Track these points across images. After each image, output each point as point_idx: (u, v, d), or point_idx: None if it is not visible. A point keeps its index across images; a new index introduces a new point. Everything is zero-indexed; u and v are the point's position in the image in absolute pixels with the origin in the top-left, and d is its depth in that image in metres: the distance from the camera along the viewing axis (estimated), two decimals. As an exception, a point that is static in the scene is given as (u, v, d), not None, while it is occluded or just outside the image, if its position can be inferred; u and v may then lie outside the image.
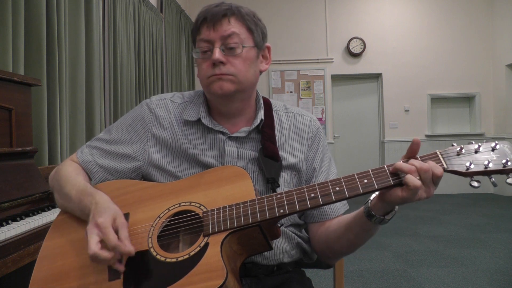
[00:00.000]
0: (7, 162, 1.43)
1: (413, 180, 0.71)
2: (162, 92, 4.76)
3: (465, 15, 6.36)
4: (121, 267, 0.77)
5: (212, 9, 0.90)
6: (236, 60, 0.90)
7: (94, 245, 0.74)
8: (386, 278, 2.78)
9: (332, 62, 6.42)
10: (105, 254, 0.74)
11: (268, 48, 1.00)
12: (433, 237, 3.79)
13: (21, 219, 1.30)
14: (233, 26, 0.90)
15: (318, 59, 6.40)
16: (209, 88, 0.91)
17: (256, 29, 0.94)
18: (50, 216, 1.39)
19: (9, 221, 1.26)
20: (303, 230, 1.04)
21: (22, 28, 2.04)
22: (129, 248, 0.76)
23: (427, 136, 6.35)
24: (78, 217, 0.89)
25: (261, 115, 0.98)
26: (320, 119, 6.31)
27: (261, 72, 0.98)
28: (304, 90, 6.37)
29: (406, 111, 6.40)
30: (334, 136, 6.53)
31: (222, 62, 0.88)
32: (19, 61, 2.01)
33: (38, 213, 1.42)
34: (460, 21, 6.36)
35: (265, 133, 0.97)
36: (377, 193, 0.80)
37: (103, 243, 0.76)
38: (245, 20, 0.92)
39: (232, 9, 0.91)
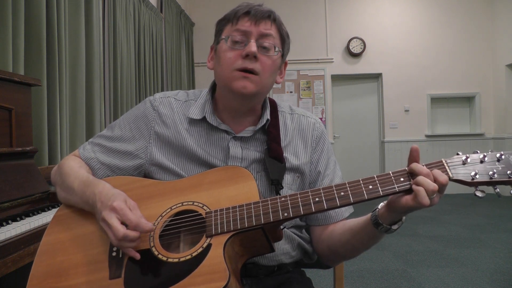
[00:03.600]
0: (7, 162, 1.43)
1: (425, 198, 0.71)
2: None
3: (465, 15, 6.36)
4: (137, 255, 0.77)
5: (255, 6, 0.91)
6: (267, 60, 0.90)
7: (120, 227, 0.75)
8: (386, 278, 2.78)
9: (332, 62, 6.42)
10: (134, 233, 0.75)
11: (285, 63, 1.01)
12: (433, 237, 3.79)
13: (21, 219, 1.30)
14: (272, 29, 0.91)
15: (318, 59, 6.40)
16: (231, 83, 0.89)
17: (287, 41, 0.96)
18: (50, 216, 1.39)
19: (9, 221, 1.26)
20: (303, 231, 1.04)
21: (22, 28, 2.04)
22: (150, 225, 0.77)
23: (427, 136, 6.34)
24: (81, 209, 0.89)
25: (267, 115, 0.97)
26: (320, 119, 6.30)
27: (275, 83, 0.98)
28: (304, 90, 6.37)
29: (406, 111, 6.40)
30: (334, 136, 6.53)
31: (255, 57, 0.88)
32: (19, 61, 2.01)
33: (38, 213, 1.42)
34: (460, 21, 6.36)
35: (271, 133, 0.96)
36: (385, 202, 0.80)
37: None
38: (281, 29, 0.94)
39: (274, 14, 0.92)
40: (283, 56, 0.96)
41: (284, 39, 0.95)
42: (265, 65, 0.89)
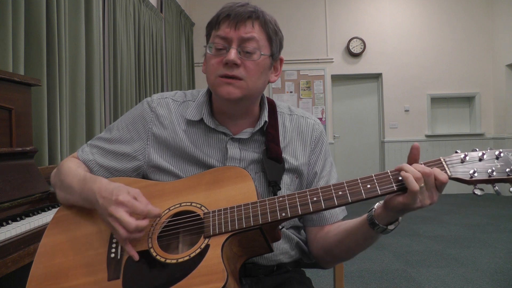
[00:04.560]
0: (7, 162, 1.43)
1: (412, 182, 0.71)
2: (162, 92, 4.77)
3: (465, 15, 6.36)
4: (136, 255, 0.78)
5: (237, 8, 0.88)
6: (251, 64, 0.87)
7: (131, 220, 0.76)
8: (386, 278, 2.78)
9: (332, 62, 6.42)
10: (144, 222, 0.77)
11: (281, 60, 0.98)
12: (433, 237, 3.79)
13: (21, 219, 1.30)
14: (254, 31, 0.87)
15: (318, 59, 6.40)
16: (216, 89, 0.89)
17: (275, 39, 0.92)
18: (50, 216, 1.39)
19: (9, 221, 1.26)
20: (302, 231, 1.04)
21: (22, 28, 2.04)
22: (158, 210, 0.79)
23: (427, 136, 6.34)
24: (80, 210, 0.89)
25: (265, 116, 0.97)
26: (320, 119, 6.31)
27: (269, 82, 0.96)
28: (304, 90, 6.37)
29: (406, 111, 6.40)
30: (334, 136, 6.53)
31: (236, 64, 0.86)
32: (19, 61, 2.01)
33: (38, 213, 1.42)
34: (460, 21, 6.36)
35: (270, 134, 0.96)
36: (381, 202, 0.79)
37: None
38: (267, 27, 0.90)
39: (257, 13, 0.89)
40: (273, 55, 0.93)
41: (270, 37, 0.90)
42: (249, 69, 0.87)
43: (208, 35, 0.93)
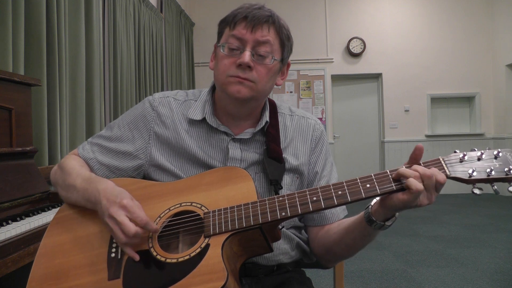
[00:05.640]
0: (7, 162, 1.43)
1: (415, 183, 0.71)
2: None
3: (465, 15, 6.36)
4: (136, 256, 0.78)
5: (254, 10, 0.88)
6: (262, 68, 0.89)
7: (132, 225, 0.76)
8: (386, 278, 2.78)
9: (332, 62, 6.42)
10: (143, 232, 0.77)
11: (288, 64, 0.99)
12: (433, 237, 3.79)
13: (21, 219, 1.30)
14: (270, 35, 0.89)
15: (318, 59, 6.40)
16: (226, 88, 0.89)
17: (287, 45, 0.94)
18: (50, 216, 1.39)
19: (9, 221, 1.26)
20: (303, 231, 1.04)
21: (22, 28, 2.04)
22: (156, 226, 0.79)
23: (427, 136, 6.34)
24: (81, 211, 0.89)
25: (266, 117, 0.97)
26: (320, 119, 6.30)
27: (275, 85, 0.97)
28: (304, 90, 6.37)
29: (406, 111, 6.40)
30: (334, 136, 6.53)
31: (249, 67, 0.87)
32: (19, 61, 2.01)
33: (38, 213, 1.42)
34: (460, 21, 6.36)
35: (270, 134, 0.96)
36: (378, 198, 0.79)
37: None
38: (281, 32, 0.91)
39: (274, 17, 0.90)
40: (283, 60, 0.94)
41: (283, 42, 0.92)
42: (260, 73, 0.88)
43: (220, 33, 0.93)
